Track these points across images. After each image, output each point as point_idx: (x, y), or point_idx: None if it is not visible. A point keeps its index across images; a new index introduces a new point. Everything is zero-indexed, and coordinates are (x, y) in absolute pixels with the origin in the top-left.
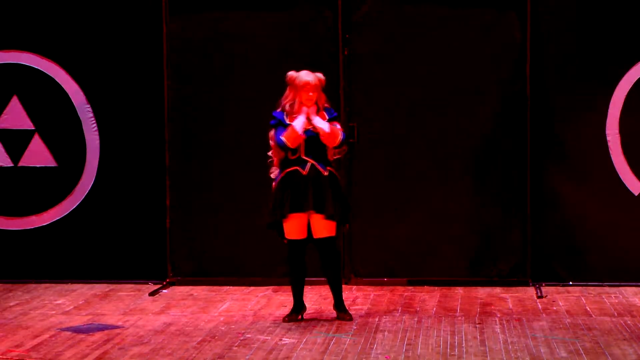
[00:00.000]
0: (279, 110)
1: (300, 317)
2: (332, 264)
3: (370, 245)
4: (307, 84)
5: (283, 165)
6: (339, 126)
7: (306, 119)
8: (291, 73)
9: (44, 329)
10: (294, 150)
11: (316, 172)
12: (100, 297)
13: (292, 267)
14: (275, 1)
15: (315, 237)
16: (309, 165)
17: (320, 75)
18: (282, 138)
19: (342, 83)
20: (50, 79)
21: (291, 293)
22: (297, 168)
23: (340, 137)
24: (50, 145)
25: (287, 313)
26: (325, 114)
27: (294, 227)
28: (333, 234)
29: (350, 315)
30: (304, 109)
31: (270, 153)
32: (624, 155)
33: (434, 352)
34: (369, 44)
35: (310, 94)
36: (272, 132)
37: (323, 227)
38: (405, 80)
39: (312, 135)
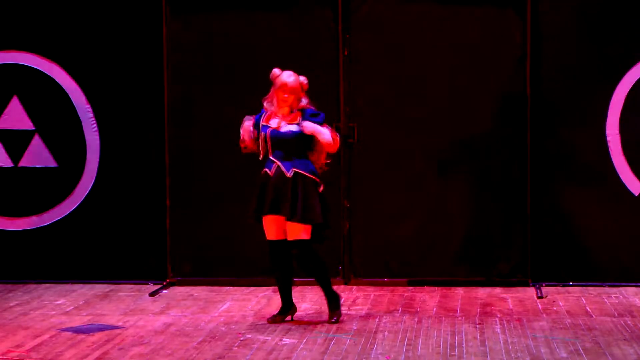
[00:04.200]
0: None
1: (290, 317)
2: (305, 270)
3: (370, 246)
4: (284, 85)
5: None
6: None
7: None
8: (275, 70)
9: (44, 329)
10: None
11: (280, 173)
12: (101, 297)
13: (271, 266)
14: (275, 1)
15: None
16: (275, 166)
17: (302, 78)
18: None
19: (342, 83)
20: (51, 79)
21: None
22: (266, 170)
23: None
24: (50, 145)
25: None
26: (300, 115)
27: (265, 228)
28: (300, 237)
29: (337, 316)
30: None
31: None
32: (624, 155)
33: (434, 353)
34: (369, 44)
35: (286, 95)
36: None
37: (289, 230)
38: (405, 80)
39: (281, 135)
